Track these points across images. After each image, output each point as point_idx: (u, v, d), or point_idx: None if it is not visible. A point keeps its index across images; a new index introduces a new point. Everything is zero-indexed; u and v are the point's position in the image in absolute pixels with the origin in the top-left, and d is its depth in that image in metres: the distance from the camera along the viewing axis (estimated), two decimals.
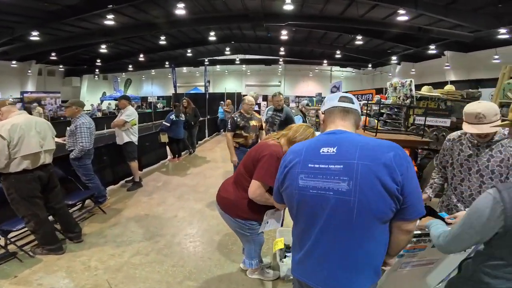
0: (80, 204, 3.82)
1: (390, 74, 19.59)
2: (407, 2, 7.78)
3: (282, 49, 15.46)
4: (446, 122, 4.01)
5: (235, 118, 3.72)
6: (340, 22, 9.87)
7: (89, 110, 20.91)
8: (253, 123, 3.76)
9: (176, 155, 6.90)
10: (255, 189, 1.84)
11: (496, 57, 11.60)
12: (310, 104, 8.03)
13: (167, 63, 20.57)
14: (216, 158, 7.22)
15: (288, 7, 7.41)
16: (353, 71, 22.43)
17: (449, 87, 4.76)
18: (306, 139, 1.64)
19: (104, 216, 3.72)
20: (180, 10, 7.93)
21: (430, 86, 4.83)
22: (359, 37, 10.78)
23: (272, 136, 2.06)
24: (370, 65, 18.03)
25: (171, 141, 6.59)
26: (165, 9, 10.09)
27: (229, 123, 3.78)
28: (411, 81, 4.52)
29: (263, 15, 9.44)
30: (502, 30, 7.97)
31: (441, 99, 4.52)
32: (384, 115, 4.82)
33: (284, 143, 1.91)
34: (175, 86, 20.49)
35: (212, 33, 12.01)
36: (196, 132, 8.03)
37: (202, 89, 23.51)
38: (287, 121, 4.11)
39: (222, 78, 25.69)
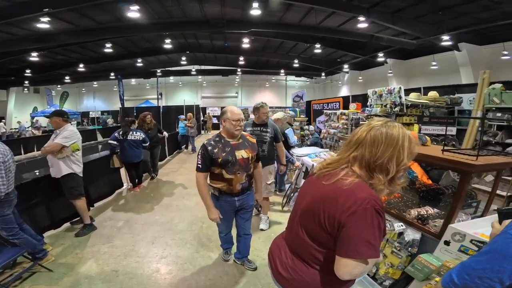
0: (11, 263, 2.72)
1: (340, 83, 20.76)
2: (360, 10, 8.10)
3: (241, 58, 15.16)
4: (453, 130, 3.98)
5: (208, 148, 2.27)
6: (298, 29, 9.95)
7: (16, 129, 17.86)
8: (242, 154, 2.34)
9: (136, 182, 5.67)
10: (351, 269, 1.04)
11: (434, 63, 12.75)
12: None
13: (112, 74, 18.75)
14: (185, 182, 6.16)
15: (255, 12, 7.09)
16: (307, 80, 23.22)
17: (433, 94, 4.88)
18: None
19: (51, 275, 2.70)
20: (134, 13, 7.01)
21: (418, 93, 4.90)
22: (317, 46, 10.98)
23: (328, 166, 1.18)
24: (323, 74, 18.75)
25: (127, 167, 5.44)
26: (112, 15, 9.01)
27: (198, 157, 2.32)
28: (400, 88, 4.54)
29: (226, 21, 8.98)
30: (445, 37, 8.69)
31: (427, 106, 4.62)
32: None
33: (364, 174, 1.11)
34: (122, 100, 18.73)
35: (167, 41, 11.16)
36: (158, 152, 7.05)
37: (154, 102, 22.00)
38: (277, 137, 3.59)
39: (176, 90, 24.49)
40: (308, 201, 1.16)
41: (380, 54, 12.41)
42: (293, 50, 14.89)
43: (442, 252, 1.75)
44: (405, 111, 4.34)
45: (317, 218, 1.09)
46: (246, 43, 10.83)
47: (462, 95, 5.07)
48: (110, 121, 20.23)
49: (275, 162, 3.80)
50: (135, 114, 9.84)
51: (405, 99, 4.43)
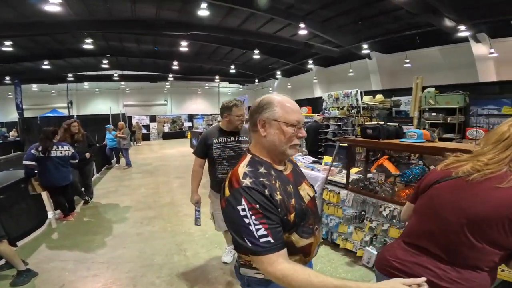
0: None
1: (270, 89, 21.74)
2: (296, 18, 8.62)
3: (175, 63, 14.27)
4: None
5: (266, 193, 1.03)
6: (238, 34, 9.97)
7: None
8: (307, 192, 1.72)
9: (68, 209, 4.54)
10: None
11: (351, 70, 14.48)
12: None
13: (7, 78, 15.21)
14: (135, 204, 5.24)
15: (203, 12, 6.73)
16: (240, 87, 23.53)
17: (380, 97, 5.47)
18: None
19: None
20: (54, 7, 5.76)
21: (371, 96, 5.40)
22: (256, 51, 11.20)
23: (487, 168, 1.10)
24: (257, 80, 19.30)
25: (51, 192, 4.29)
26: (16, 10, 7.29)
27: (249, 222, 1.66)
28: (357, 91, 4.95)
29: (165, 22, 8.28)
30: (364, 46, 9.97)
31: (377, 107, 5.17)
32: (331, 127, 5.02)
33: None
34: (20, 109, 15.37)
35: (88, 41, 9.61)
36: (92, 170, 5.94)
37: (63, 112, 18.85)
38: None
39: (91, 97, 21.44)
40: (484, 208, 1.05)
41: (310, 61, 13.46)
42: (228, 56, 14.89)
43: None
44: (361, 113, 4.81)
45: (506, 223, 1.02)
46: (183, 46, 10.26)
47: (400, 97, 5.94)
48: (12, 133, 16.09)
49: None
50: (39, 125, 8.04)
51: (361, 102, 4.91)
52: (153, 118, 22.03)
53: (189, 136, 17.65)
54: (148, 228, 4.11)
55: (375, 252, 2.55)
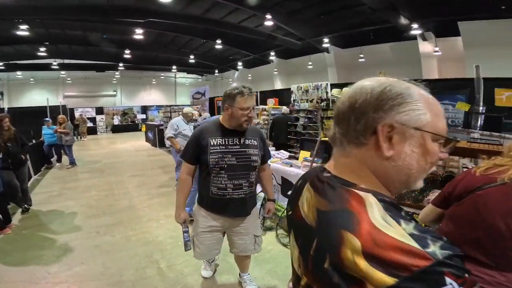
0: None
1: (230, 80, 21.29)
2: (262, 8, 8.40)
3: (127, 51, 13.01)
4: None
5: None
6: (201, 23, 9.40)
7: None
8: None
9: (2, 221, 3.79)
10: None
11: (310, 63, 14.76)
12: None
13: None
14: (87, 210, 4.57)
15: None
16: (199, 77, 22.61)
17: (338, 90, 5.53)
18: None
19: None
20: None
21: (339, 89, 5.41)
22: (218, 41, 10.70)
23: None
24: (217, 71, 18.71)
25: None
26: None
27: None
28: (327, 84, 4.91)
29: (119, 9, 7.35)
30: (326, 39, 10.14)
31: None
32: (300, 120, 4.92)
33: None
34: None
35: (23, 27, 8.16)
36: (26, 172, 5.02)
37: None
38: (266, 153, 2.18)
39: (24, 88, 18.66)
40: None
41: (272, 53, 13.37)
42: (187, 45, 14.08)
43: None
44: (331, 106, 4.82)
45: None
46: (138, 34, 9.33)
47: None
48: None
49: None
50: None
51: (331, 95, 4.93)
52: (100, 110, 20.11)
53: (143, 129, 16.51)
54: (107, 239, 3.57)
55: None
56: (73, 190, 5.77)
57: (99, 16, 7.98)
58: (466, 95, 5.33)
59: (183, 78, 22.44)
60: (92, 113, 19.72)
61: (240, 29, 10.00)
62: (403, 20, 7.71)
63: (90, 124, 18.40)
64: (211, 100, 12.54)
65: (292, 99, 5.96)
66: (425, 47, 10.90)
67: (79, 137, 15.92)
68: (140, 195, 5.28)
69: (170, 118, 10.28)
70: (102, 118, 20.13)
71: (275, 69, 16.71)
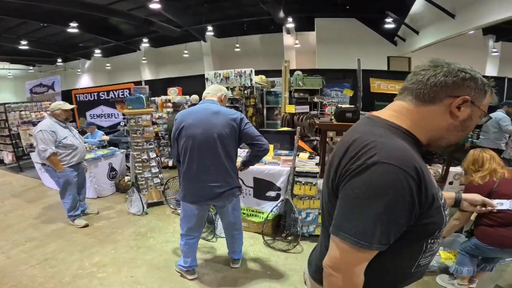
0: None
1: (79, 70, 17.34)
2: None
3: None
4: (307, 108, 4.81)
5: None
6: (53, 2, 6.93)
7: None
8: None
9: None
10: None
11: (186, 51, 14.15)
12: None
13: None
14: None
15: None
16: (30, 68, 16.91)
17: (261, 77, 5.56)
18: None
19: None
20: None
21: (262, 75, 5.32)
22: (73, 25, 8.28)
23: None
24: (60, 60, 14.66)
25: None
26: None
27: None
28: (251, 70, 4.69)
29: None
30: (213, 27, 9.90)
31: (264, 87, 5.23)
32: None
33: None
34: None
35: None
36: None
37: None
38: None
39: None
40: None
41: (145, 40, 11.79)
42: (15, 30, 10.10)
43: (448, 190, 2.50)
44: (254, 93, 4.81)
45: None
46: None
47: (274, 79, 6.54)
48: None
49: None
50: None
51: (255, 82, 4.89)
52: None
53: None
54: None
55: None
56: None
57: None
58: (351, 83, 6.73)
59: (4, 69, 16.23)
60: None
61: (108, 12, 8.11)
62: (282, 14, 8.56)
63: None
64: (66, 94, 9.65)
65: (208, 86, 5.55)
66: (288, 40, 12.64)
67: None
68: (17, 244, 3.36)
69: None
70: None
71: (144, 58, 14.90)
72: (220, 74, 5.32)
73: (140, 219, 3.96)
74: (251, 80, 5.15)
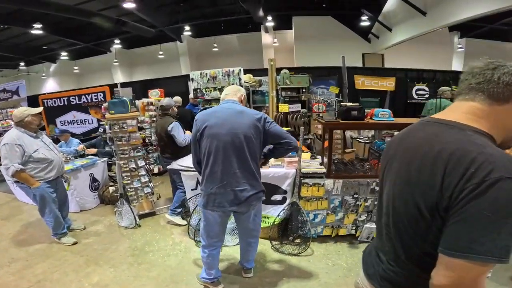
0: None
1: (44, 74, 16.20)
2: None
3: None
4: (299, 107, 4.78)
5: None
6: (15, 2, 6.33)
7: None
8: None
9: None
10: None
11: (161, 52, 13.70)
12: None
13: None
14: None
15: None
16: None
17: (249, 76, 5.45)
18: None
19: None
20: None
21: (250, 75, 5.20)
22: (37, 26, 7.64)
23: None
24: (22, 64, 13.60)
25: None
26: None
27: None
28: (240, 69, 4.56)
29: None
30: (190, 26, 9.63)
31: (252, 86, 5.15)
32: None
33: None
34: None
35: None
36: None
37: None
38: None
39: None
40: None
41: (117, 41, 11.21)
42: None
43: None
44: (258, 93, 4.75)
45: None
46: None
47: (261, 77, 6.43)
48: None
49: None
50: None
51: (244, 81, 4.78)
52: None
53: None
54: None
55: (375, 226, 2.82)
56: None
57: None
58: (336, 80, 6.83)
59: None
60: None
61: (76, 12, 7.56)
62: (261, 13, 8.50)
63: None
64: (32, 100, 8.89)
65: (193, 87, 5.27)
66: (266, 38, 12.63)
67: None
68: (1, 266, 3.03)
69: None
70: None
71: (115, 60, 14.20)
72: (206, 74, 5.12)
73: (133, 233, 3.66)
74: (240, 79, 5.03)
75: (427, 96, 6.76)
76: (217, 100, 4.84)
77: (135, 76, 15.09)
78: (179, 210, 3.75)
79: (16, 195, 5.08)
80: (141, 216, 3.99)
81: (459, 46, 11.07)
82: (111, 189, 4.67)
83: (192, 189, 3.34)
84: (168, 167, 3.59)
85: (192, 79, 5.30)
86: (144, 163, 4.09)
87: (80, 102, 7.78)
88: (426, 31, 7.32)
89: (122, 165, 3.87)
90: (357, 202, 2.95)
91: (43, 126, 3.39)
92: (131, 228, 3.75)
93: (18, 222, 4.19)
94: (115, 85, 7.93)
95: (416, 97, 6.95)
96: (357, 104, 2.84)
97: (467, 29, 10.25)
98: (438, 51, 10.61)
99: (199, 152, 2.14)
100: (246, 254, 2.52)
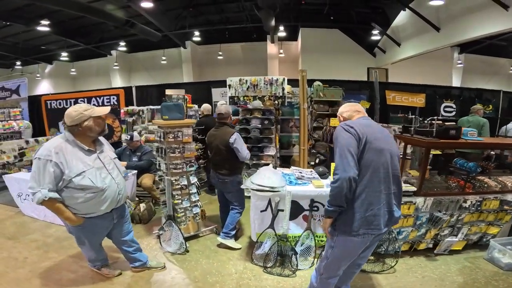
0: None
1: (38, 75, 15.66)
2: None
3: None
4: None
5: None
6: None
7: None
8: None
9: None
10: None
11: (164, 58, 13.49)
12: None
13: None
14: None
15: None
16: None
17: (289, 87, 5.23)
18: None
19: None
20: None
21: (289, 85, 5.01)
22: (45, 22, 7.35)
23: None
24: (18, 63, 13.15)
25: None
26: None
27: None
28: (284, 79, 4.34)
29: None
30: (196, 32, 9.52)
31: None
32: (253, 122, 4.15)
33: None
34: None
35: None
36: None
37: None
38: None
39: None
40: None
41: (122, 43, 10.98)
42: None
43: None
44: (285, 104, 4.52)
45: None
46: None
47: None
48: None
49: None
50: None
51: (287, 92, 4.59)
52: None
53: None
54: None
55: (456, 239, 2.89)
56: None
57: None
58: (367, 95, 6.78)
59: None
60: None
61: (88, 10, 7.30)
62: (273, 22, 8.49)
63: None
64: (34, 100, 8.48)
65: (229, 94, 4.95)
66: (271, 48, 12.64)
67: None
68: None
69: None
70: None
71: (116, 64, 13.88)
72: (246, 80, 4.79)
73: (184, 260, 3.06)
74: (283, 89, 4.73)
75: (454, 113, 6.73)
76: (259, 110, 4.54)
77: (133, 82, 14.74)
78: (233, 232, 3.28)
79: (21, 208, 4.34)
80: (186, 239, 3.30)
81: (459, 62, 11.32)
82: (141, 206, 4.06)
83: (262, 211, 2.95)
84: (242, 186, 3.14)
85: (230, 85, 4.96)
86: (195, 179, 3.47)
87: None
88: (439, 46, 7.43)
89: (173, 181, 3.25)
90: (443, 218, 2.86)
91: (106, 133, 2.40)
92: (178, 254, 3.14)
93: (32, 244, 3.41)
94: (130, 88, 7.60)
95: (444, 113, 6.90)
96: (454, 123, 2.90)
97: (466, 44, 10.50)
98: (439, 66, 10.83)
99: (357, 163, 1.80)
100: (348, 279, 2.23)
